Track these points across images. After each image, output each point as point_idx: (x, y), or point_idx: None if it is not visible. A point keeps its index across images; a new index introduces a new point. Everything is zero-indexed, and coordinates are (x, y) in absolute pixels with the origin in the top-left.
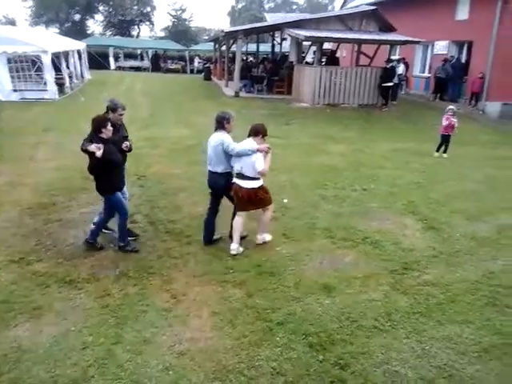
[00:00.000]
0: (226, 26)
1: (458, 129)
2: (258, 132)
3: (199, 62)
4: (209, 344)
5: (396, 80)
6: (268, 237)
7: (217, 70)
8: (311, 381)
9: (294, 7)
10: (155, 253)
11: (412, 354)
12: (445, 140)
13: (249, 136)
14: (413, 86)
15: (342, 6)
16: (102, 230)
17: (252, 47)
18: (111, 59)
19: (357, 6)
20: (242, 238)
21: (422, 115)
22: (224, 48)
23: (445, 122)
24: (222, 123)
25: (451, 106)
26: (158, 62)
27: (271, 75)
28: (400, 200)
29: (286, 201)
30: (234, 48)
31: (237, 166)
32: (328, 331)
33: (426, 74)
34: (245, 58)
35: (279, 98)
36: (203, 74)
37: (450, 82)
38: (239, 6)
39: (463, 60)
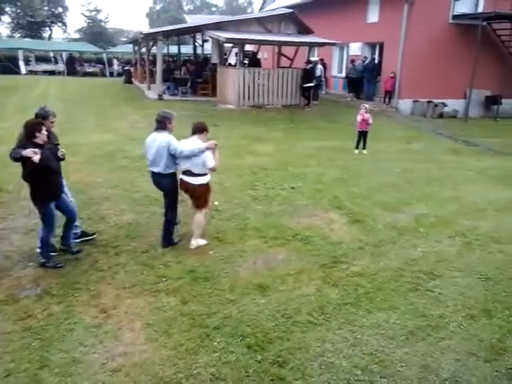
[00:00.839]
0: (144, 27)
1: (376, 125)
2: (202, 129)
3: (119, 65)
4: (144, 357)
5: (315, 81)
6: (202, 241)
7: (138, 72)
8: (251, 382)
9: (214, 9)
10: (80, 267)
11: (346, 344)
12: (361, 136)
13: (193, 134)
14: (332, 86)
15: (260, 9)
16: (48, 246)
17: (173, 49)
18: (21, 63)
19: (274, 9)
20: (175, 243)
21: (343, 114)
22: (144, 50)
23: (359, 119)
24: (164, 123)
25: (365, 104)
26: (73, 66)
27: (195, 77)
28: (326, 196)
29: (217, 203)
30: (154, 50)
31: (185, 164)
32: (265, 330)
33: (343, 75)
34: (167, 59)
35: (204, 100)
36: (123, 77)
37: (365, 81)
38: (157, 7)
39: (376, 60)
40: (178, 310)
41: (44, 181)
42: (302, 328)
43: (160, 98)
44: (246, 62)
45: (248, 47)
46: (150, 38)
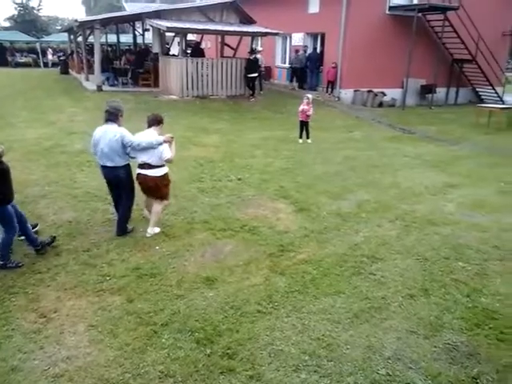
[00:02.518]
0: (81, 15)
1: (319, 115)
2: (158, 121)
3: (54, 55)
4: (88, 360)
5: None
6: (157, 229)
7: (74, 62)
8: (200, 376)
9: None
10: (17, 269)
11: (294, 331)
12: (303, 126)
13: (149, 126)
14: (276, 77)
15: None
16: (8, 248)
17: (112, 38)
18: None
19: None
20: (129, 231)
21: (287, 104)
22: (80, 39)
23: (301, 109)
24: (116, 115)
25: (308, 95)
26: (4, 56)
27: (136, 67)
28: (272, 186)
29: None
30: (91, 39)
31: (142, 157)
32: (214, 323)
33: (287, 65)
34: (105, 49)
35: (146, 91)
36: (59, 67)
37: (308, 71)
38: None
39: (318, 50)
40: (124, 308)
41: (2, 182)
42: (251, 318)
43: (99, 89)
44: (189, 51)
45: (191, 36)
46: (87, 26)
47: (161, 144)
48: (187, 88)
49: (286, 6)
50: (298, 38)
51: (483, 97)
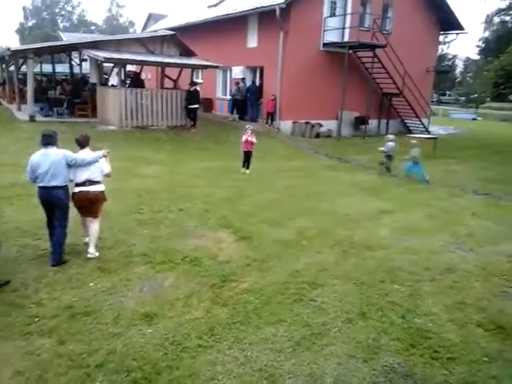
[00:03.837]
0: (14, 44)
1: (260, 145)
2: (88, 141)
3: None
4: None
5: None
6: (96, 253)
7: (6, 92)
8: None
9: (93, 28)
10: None
11: (236, 364)
12: (246, 156)
13: (84, 147)
14: (217, 108)
15: (143, 29)
16: None
17: (47, 68)
18: None
19: (156, 31)
20: (64, 262)
21: (229, 135)
22: (13, 68)
23: (244, 139)
24: (54, 138)
25: (250, 126)
26: None
27: (72, 97)
28: (214, 216)
29: None
30: (24, 68)
31: (83, 175)
32: (152, 362)
33: (228, 97)
34: (39, 78)
35: (83, 122)
36: None
37: (248, 103)
38: (29, 23)
39: (258, 83)
40: (54, 351)
41: None
42: (192, 353)
43: (32, 119)
44: (129, 82)
45: (130, 67)
46: (20, 55)
47: (101, 158)
48: (126, 118)
49: (226, 40)
50: (238, 71)
51: (411, 127)
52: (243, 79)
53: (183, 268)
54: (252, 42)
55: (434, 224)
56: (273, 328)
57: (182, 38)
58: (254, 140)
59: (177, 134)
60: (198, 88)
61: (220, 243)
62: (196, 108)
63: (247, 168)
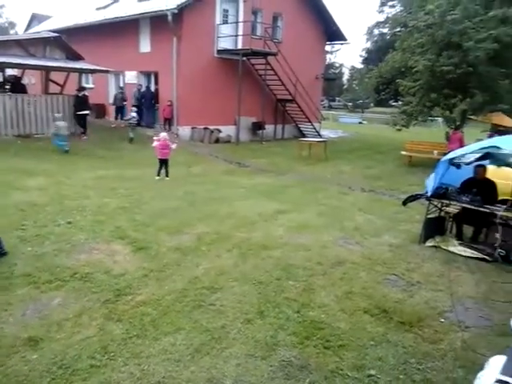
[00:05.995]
0: None
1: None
2: None
3: None
4: None
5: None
6: None
7: None
8: None
9: None
10: None
11: (132, 380)
12: (162, 163)
13: None
14: (111, 115)
15: (25, 31)
16: None
17: None
18: None
19: (38, 32)
20: None
21: (122, 141)
22: None
23: (157, 145)
24: None
25: (163, 133)
26: None
27: None
28: (107, 227)
29: None
30: None
31: None
32: None
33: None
34: None
35: None
36: None
37: (144, 109)
38: None
39: (153, 89)
40: None
41: None
42: (84, 375)
43: None
44: (8, 87)
45: (11, 71)
46: None
47: None
48: (5, 126)
49: (117, 44)
50: (131, 76)
51: (304, 132)
52: (139, 85)
53: (73, 285)
54: (145, 46)
55: (325, 221)
56: (171, 338)
57: (70, 41)
58: (174, 146)
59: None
60: (87, 93)
61: (114, 256)
62: (86, 114)
63: (166, 175)
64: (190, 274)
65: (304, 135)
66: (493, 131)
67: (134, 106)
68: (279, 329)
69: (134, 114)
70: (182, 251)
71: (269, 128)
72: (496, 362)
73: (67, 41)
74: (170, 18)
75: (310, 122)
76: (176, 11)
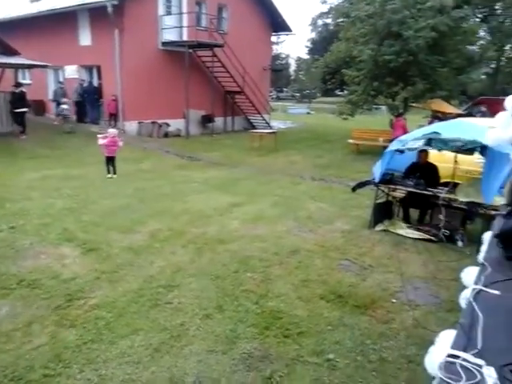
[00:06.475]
0: None
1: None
2: None
3: None
4: None
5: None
6: None
7: None
8: None
9: None
10: None
11: None
12: (109, 161)
13: None
14: (52, 111)
15: None
16: None
17: None
18: None
19: None
20: None
21: (66, 139)
22: None
23: (104, 142)
24: None
25: (112, 130)
26: None
27: None
28: (54, 230)
29: None
30: None
31: None
32: None
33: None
34: None
35: None
36: None
37: (87, 104)
38: None
39: (96, 83)
40: None
41: None
42: None
43: None
44: None
45: None
46: None
47: None
48: None
49: (56, 37)
50: (71, 71)
51: (255, 123)
52: (82, 80)
53: (20, 293)
54: (85, 39)
55: (279, 211)
56: (128, 340)
57: (3, 35)
58: (121, 143)
59: (3, 141)
60: (25, 89)
61: (63, 259)
62: (24, 112)
63: (114, 173)
64: (145, 273)
65: (254, 127)
66: (433, 117)
67: (76, 101)
68: (239, 322)
69: (65, 106)
70: (135, 250)
71: (219, 120)
72: (446, 337)
73: (1, 35)
74: (110, 9)
75: (259, 113)
76: (116, 2)
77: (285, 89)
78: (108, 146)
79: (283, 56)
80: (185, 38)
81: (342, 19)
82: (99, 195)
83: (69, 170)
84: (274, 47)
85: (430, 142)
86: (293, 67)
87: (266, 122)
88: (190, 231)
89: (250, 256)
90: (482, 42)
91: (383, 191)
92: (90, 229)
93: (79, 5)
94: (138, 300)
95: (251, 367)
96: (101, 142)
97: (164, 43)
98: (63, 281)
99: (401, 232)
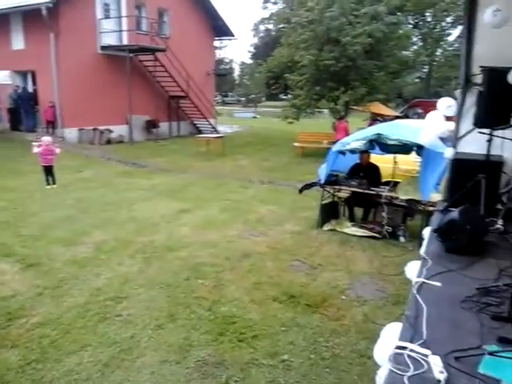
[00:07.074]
0: None
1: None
2: None
3: None
4: None
5: None
6: None
7: None
8: None
9: None
10: None
11: None
12: (47, 171)
13: None
14: None
15: None
16: None
17: None
18: None
19: None
20: None
21: (2, 148)
22: None
23: (39, 151)
24: None
25: (46, 137)
26: None
27: None
28: None
29: None
30: None
31: None
32: None
33: None
34: None
35: None
36: None
37: (22, 112)
38: None
39: (31, 89)
40: None
41: None
42: None
43: None
44: None
45: None
46: None
47: None
48: None
49: None
50: (3, 76)
51: (201, 128)
52: (17, 86)
53: None
54: (18, 43)
55: (229, 215)
56: (76, 357)
57: None
58: (58, 151)
59: None
60: None
61: (1, 276)
62: None
63: (53, 183)
64: (91, 286)
65: (200, 131)
66: (372, 120)
67: (9, 108)
68: (192, 329)
69: None
70: (79, 263)
71: (164, 126)
72: (392, 330)
73: None
74: (44, 12)
75: (205, 118)
76: (51, 5)
77: (230, 93)
78: (43, 154)
79: (227, 61)
80: (125, 42)
81: (283, 25)
82: (38, 207)
83: (4, 182)
84: (218, 52)
85: (371, 144)
86: (237, 72)
87: (213, 127)
88: (138, 240)
89: (200, 262)
90: (415, 47)
91: (329, 192)
92: (29, 243)
93: (12, 7)
94: (84, 315)
95: (206, 374)
96: (35, 150)
97: (103, 47)
98: (2, 298)
99: (347, 231)
